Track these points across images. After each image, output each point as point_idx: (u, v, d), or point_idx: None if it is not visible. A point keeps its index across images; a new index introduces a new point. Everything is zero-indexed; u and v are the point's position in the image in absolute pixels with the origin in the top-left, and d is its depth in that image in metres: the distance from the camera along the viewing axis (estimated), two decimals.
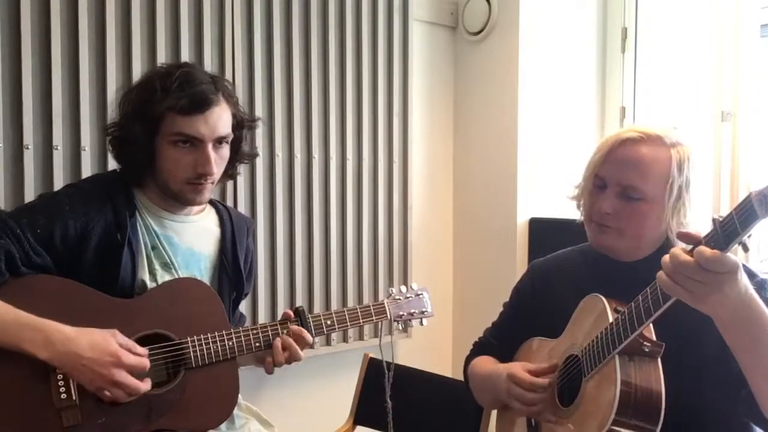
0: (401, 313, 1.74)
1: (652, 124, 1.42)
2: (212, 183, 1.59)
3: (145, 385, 1.41)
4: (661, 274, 1.10)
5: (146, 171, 1.57)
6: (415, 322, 1.78)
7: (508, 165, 2.81)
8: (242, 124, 1.65)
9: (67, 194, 1.53)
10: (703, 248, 1.04)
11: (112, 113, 1.66)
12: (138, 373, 1.40)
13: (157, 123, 1.50)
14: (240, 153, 1.68)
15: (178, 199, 1.60)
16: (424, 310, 1.78)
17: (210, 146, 1.53)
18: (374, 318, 1.70)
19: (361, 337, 2.65)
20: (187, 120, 1.49)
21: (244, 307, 2.26)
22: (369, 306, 1.70)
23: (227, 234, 1.71)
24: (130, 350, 1.40)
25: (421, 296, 1.78)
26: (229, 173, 1.69)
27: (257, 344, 1.57)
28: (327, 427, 2.25)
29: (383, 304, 1.72)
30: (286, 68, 2.43)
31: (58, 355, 1.34)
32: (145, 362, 1.42)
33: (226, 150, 1.59)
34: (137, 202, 1.59)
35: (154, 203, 1.61)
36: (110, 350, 1.37)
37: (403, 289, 1.78)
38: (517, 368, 1.47)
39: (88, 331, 1.38)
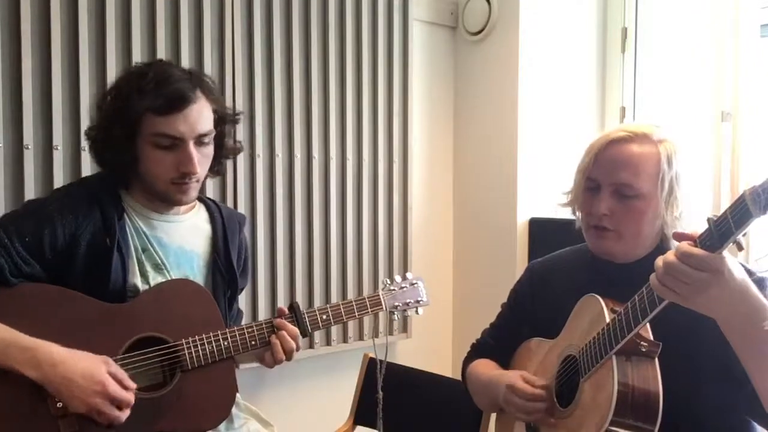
0: (397, 303, 1.72)
1: (636, 123, 1.44)
2: (197, 181, 1.56)
3: (124, 414, 1.39)
4: (652, 276, 1.11)
5: (130, 174, 1.55)
6: (410, 311, 1.75)
7: (508, 165, 2.81)
8: (224, 119, 1.62)
9: (55, 200, 1.52)
10: (687, 247, 1.05)
11: (89, 117, 1.62)
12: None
13: (135, 125, 1.48)
14: (224, 148, 1.65)
15: (165, 200, 1.58)
16: (419, 299, 1.75)
17: (191, 144, 1.50)
18: (370, 310, 1.68)
19: (361, 338, 2.65)
20: (165, 120, 1.47)
21: (244, 308, 2.26)
22: (364, 298, 1.69)
23: (218, 231, 1.69)
24: (120, 381, 1.39)
25: (416, 285, 1.76)
26: (215, 169, 1.66)
27: (253, 342, 1.56)
28: (327, 427, 2.25)
29: (378, 295, 1.70)
30: (286, 68, 2.44)
31: (45, 376, 1.33)
32: (130, 398, 1.39)
33: (209, 147, 1.57)
34: (125, 204, 1.57)
35: (142, 205, 1.59)
36: (98, 378, 1.36)
37: (398, 278, 1.76)
38: (516, 378, 1.47)
39: (79, 354, 1.37)
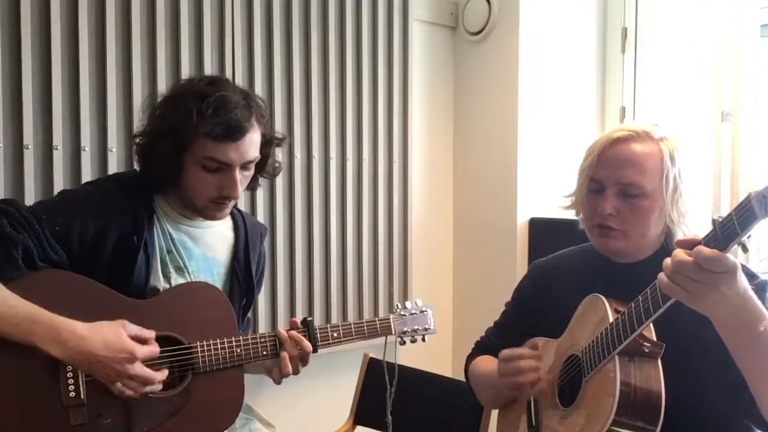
0: (405, 329, 1.76)
1: (635, 122, 1.44)
2: (235, 200, 1.60)
3: (161, 375, 1.42)
4: (661, 274, 1.11)
5: (170, 183, 1.58)
6: (417, 338, 1.80)
7: (508, 165, 2.81)
8: (270, 143, 1.65)
9: (88, 194, 1.54)
10: (701, 247, 1.04)
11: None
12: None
13: (188, 144, 1.50)
14: (264, 170, 1.68)
15: (200, 214, 1.61)
16: (427, 327, 1.79)
17: (237, 170, 1.53)
18: (379, 333, 1.72)
19: None
20: (219, 146, 1.49)
21: None
22: (375, 321, 1.72)
23: (241, 240, 1.71)
24: (139, 338, 1.41)
25: (425, 313, 1.80)
26: (250, 185, 1.69)
27: (264, 352, 1.57)
28: (327, 427, 2.25)
29: (389, 320, 1.74)
30: (286, 68, 2.43)
31: (70, 353, 1.34)
32: (155, 349, 1.42)
33: (251, 170, 1.60)
34: (156, 206, 1.59)
35: (173, 209, 1.61)
36: (124, 347, 1.37)
37: (408, 305, 1.79)
38: (505, 351, 1.49)
39: (98, 327, 1.38)
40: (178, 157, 1.52)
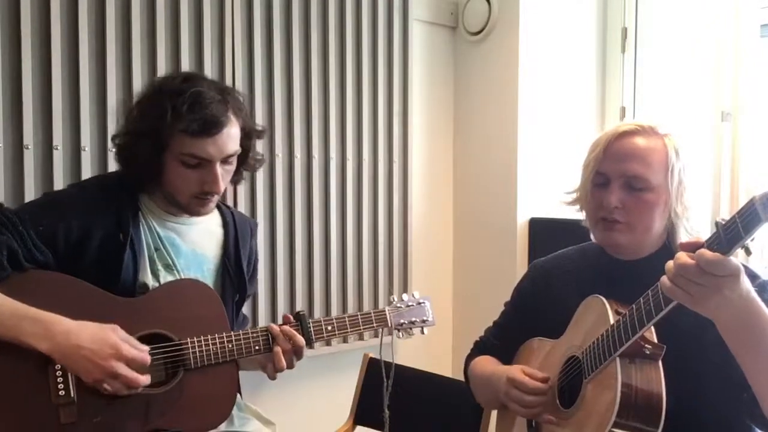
0: (402, 321, 1.72)
1: (641, 118, 1.45)
2: (218, 195, 1.60)
3: (145, 379, 1.41)
4: (663, 277, 1.11)
5: (152, 181, 1.57)
6: (415, 330, 1.76)
7: (508, 165, 2.81)
8: (250, 136, 1.65)
9: (72, 194, 1.55)
10: (704, 251, 1.04)
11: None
12: (138, 368, 1.40)
13: (166, 142, 1.50)
14: (246, 163, 1.68)
15: (184, 211, 1.61)
16: (425, 318, 1.76)
17: (218, 165, 1.53)
18: (375, 325, 1.69)
19: (361, 338, 2.64)
20: (196, 142, 1.49)
21: (243, 309, 2.26)
22: (370, 313, 1.69)
23: (230, 235, 1.71)
24: (130, 344, 1.40)
25: (422, 305, 1.77)
26: (234, 179, 1.68)
27: (257, 347, 1.56)
28: (327, 426, 2.25)
29: (384, 311, 1.71)
30: (286, 68, 2.43)
31: (57, 347, 1.34)
32: (146, 356, 1.42)
33: (233, 164, 1.60)
34: (141, 204, 1.59)
35: (158, 206, 1.61)
36: (110, 342, 1.37)
37: (405, 297, 1.76)
38: (517, 371, 1.47)
39: (88, 324, 1.38)
40: (158, 155, 1.52)
